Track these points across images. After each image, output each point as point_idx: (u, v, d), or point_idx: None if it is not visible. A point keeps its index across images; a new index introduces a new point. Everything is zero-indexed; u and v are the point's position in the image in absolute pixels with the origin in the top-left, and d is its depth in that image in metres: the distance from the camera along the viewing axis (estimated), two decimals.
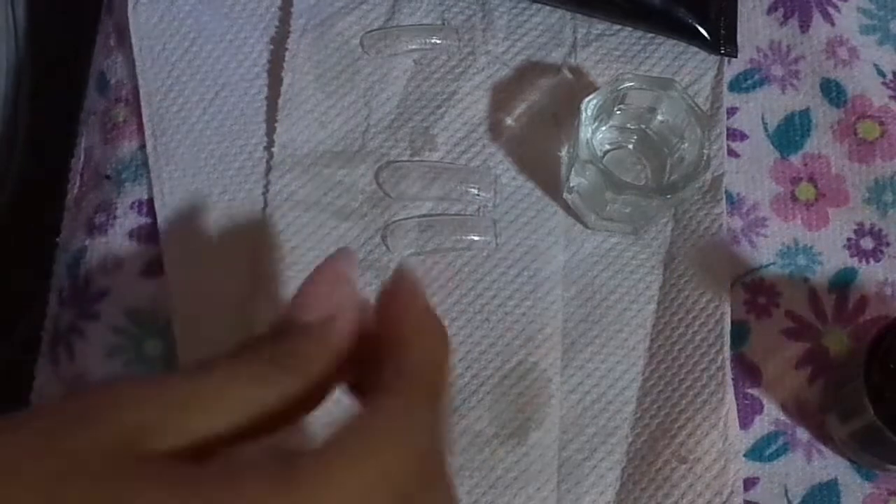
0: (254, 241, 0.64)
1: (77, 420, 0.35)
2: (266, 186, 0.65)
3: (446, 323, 0.62)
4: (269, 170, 0.65)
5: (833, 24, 0.68)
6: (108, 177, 0.66)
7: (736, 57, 0.68)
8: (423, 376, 0.40)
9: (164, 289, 0.63)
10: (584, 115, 0.60)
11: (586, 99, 0.61)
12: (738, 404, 0.62)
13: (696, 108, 0.61)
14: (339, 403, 0.42)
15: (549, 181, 0.65)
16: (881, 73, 0.68)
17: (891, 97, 0.67)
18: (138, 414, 0.36)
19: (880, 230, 0.65)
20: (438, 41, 0.67)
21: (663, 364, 0.62)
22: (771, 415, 0.62)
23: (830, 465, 0.62)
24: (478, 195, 0.65)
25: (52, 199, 0.69)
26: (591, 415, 0.62)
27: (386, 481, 0.36)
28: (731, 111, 0.67)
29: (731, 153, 0.66)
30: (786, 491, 0.61)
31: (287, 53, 0.66)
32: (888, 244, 0.65)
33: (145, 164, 0.65)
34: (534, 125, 0.67)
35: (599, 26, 0.68)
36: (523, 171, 0.66)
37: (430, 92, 0.67)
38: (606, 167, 0.60)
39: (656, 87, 0.62)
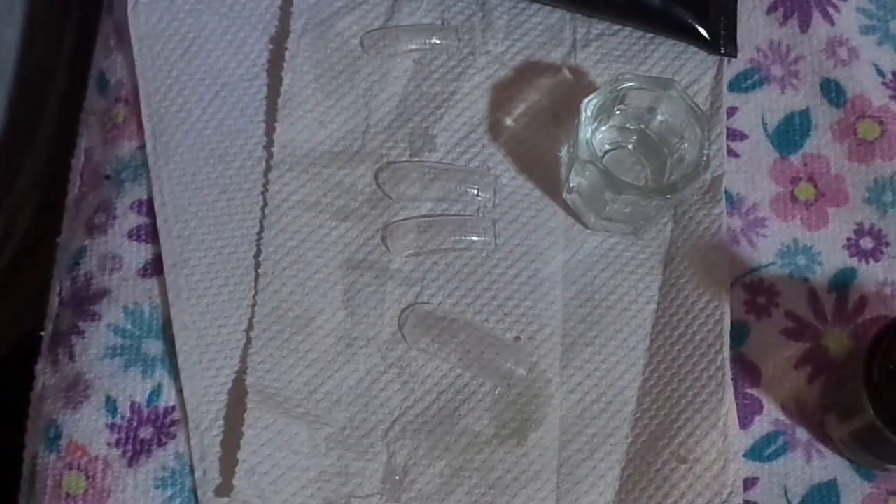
0: (253, 240, 0.64)
1: None
2: (265, 186, 0.65)
3: (446, 323, 0.62)
4: (268, 169, 0.65)
5: (833, 24, 0.68)
6: (107, 177, 0.66)
7: (736, 57, 0.68)
8: None
9: (163, 289, 0.63)
10: (583, 115, 0.60)
11: (586, 99, 0.61)
12: (737, 404, 0.62)
13: (696, 108, 0.61)
14: None
15: (549, 181, 0.65)
16: (881, 73, 0.68)
17: (891, 97, 0.67)
18: None
19: (880, 230, 0.65)
20: (438, 41, 0.67)
21: (663, 364, 0.62)
22: (770, 415, 0.62)
23: (830, 465, 0.62)
24: (477, 196, 0.65)
25: (52, 201, 0.69)
26: (591, 415, 0.62)
27: None
28: (731, 111, 0.67)
29: (731, 153, 0.66)
30: (785, 491, 0.61)
31: (287, 53, 0.67)
32: (888, 244, 0.65)
33: (145, 164, 0.65)
34: (534, 125, 0.67)
35: (599, 26, 0.68)
36: (523, 171, 0.66)
37: (429, 92, 0.67)
38: (606, 167, 0.60)
39: (656, 87, 0.62)
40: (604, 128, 0.64)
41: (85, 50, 0.72)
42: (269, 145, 0.65)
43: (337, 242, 0.64)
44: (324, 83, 0.67)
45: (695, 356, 0.62)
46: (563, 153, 0.66)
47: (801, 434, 0.62)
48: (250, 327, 0.62)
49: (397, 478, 0.60)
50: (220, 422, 0.61)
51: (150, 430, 0.61)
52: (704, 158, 0.60)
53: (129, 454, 0.61)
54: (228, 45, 0.67)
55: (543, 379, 0.62)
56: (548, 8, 0.68)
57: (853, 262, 0.65)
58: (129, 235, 0.64)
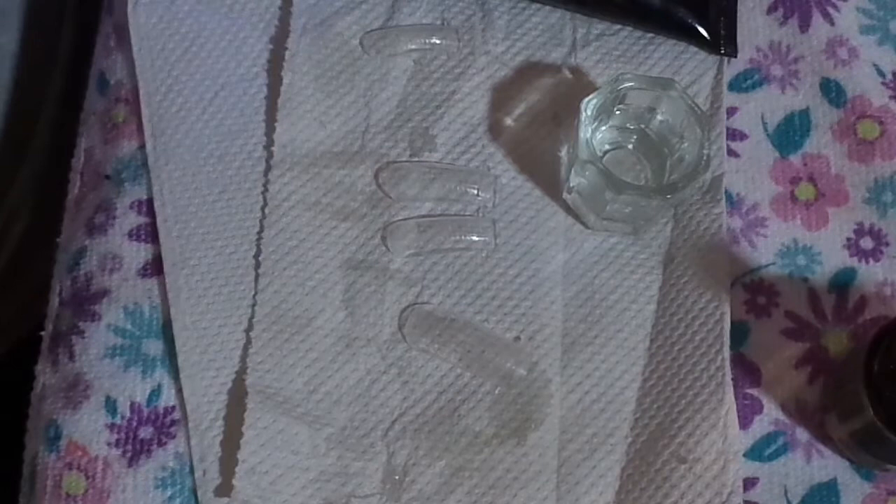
0: (253, 240, 0.64)
1: None
2: (265, 186, 0.65)
3: (446, 323, 0.62)
4: (268, 169, 0.65)
5: (833, 24, 0.68)
6: (108, 177, 0.66)
7: (736, 57, 0.68)
8: None
9: (164, 289, 0.63)
10: (583, 115, 0.60)
11: (586, 99, 0.61)
12: (737, 404, 0.62)
13: (696, 108, 0.61)
14: None
15: (549, 181, 0.65)
16: (881, 73, 0.68)
17: (890, 97, 0.67)
18: None
19: (880, 230, 0.65)
20: (438, 41, 0.67)
21: (663, 364, 0.62)
22: (770, 415, 0.62)
23: (830, 465, 0.62)
24: (477, 196, 0.65)
25: (61, 188, 0.69)
26: (591, 415, 0.62)
27: None
28: (731, 111, 0.67)
29: (731, 153, 0.66)
30: (785, 491, 0.61)
31: (287, 53, 0.67)
32: (888, 244, 0.65)
33: (145, 164, 0.65)
34: (534, 125, 0.67)
35: (599, 26, 0.68)
36: (523, 171, 0.66)
37: (429, 92, 0.67)
38: (606, 167, 0.60)
39: (656, 87, 0.62)
40: (604, 128, 0.64)
41: (82, 54, 0.72)
42: (269, 145, 0.65)
43: (337, 242, 0.64)
44: (324, 83, 0.67)
45: (695, 356, 0.62)
46: (563, 153, 0.66)
47: (801, 434, 0.62)
48: (250, 327, 0.62)
49: (397, 478, 0.60)
50: (220, 422, 0.61)
51: (150, 430, 0.61)
52: (704, 158, 0.60)
53: (129, 454, 0.61)
54: (228, 45, 0.67)
55: (543, 379, 0.62)
56: (548, 8, 0.68)
57: (853, 262, 0.65)
58: (129, 235, 0.64)
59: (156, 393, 0.62)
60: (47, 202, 0.70)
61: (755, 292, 0.64)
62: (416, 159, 0.65)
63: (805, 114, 0.67)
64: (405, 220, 0.64)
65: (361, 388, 0.62)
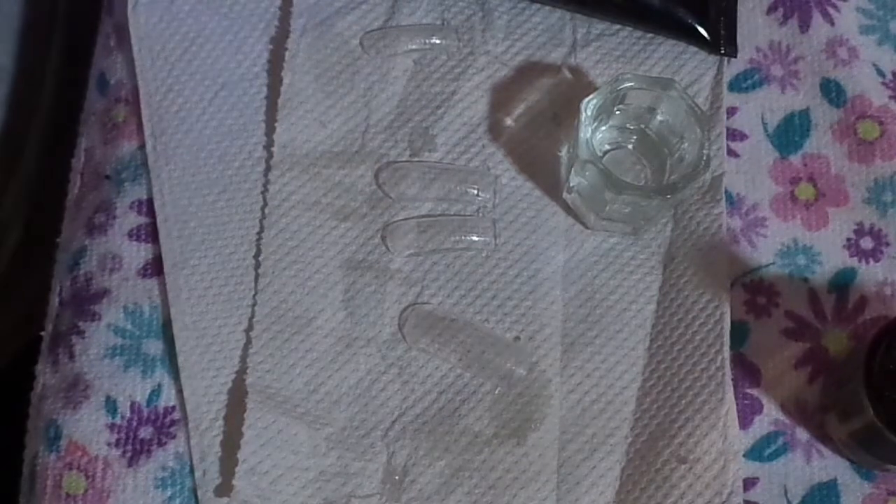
0: (253, 240, 0.64)
1: None
2: (265, 186, 0.65)
3: (446, 323, 0.62)
4: (268, 169, 0.65)
5: (833, 24, 0.68)
6: (107, 177, 0.66)
7: (735, 57, 0.68)
8: None
9: (164, 289, 0.63)
10: (583, 115, 0.60)
11: (586, 99, 0.61)
12: (737, 404, 0.62)
13: (696, 108, 0.61)
14: None
15: (549, 181, 0.65)
16: (881, 73, 0.68)
17: (890, 97, 0.67)
18: None
19: (880, 230, 0.65)
20: (438, 41, 0.67)
21: (663, 364, 0.62)
22: (770, 415, 0.62)
23: (830, 465, 0.62)
24: (477, 196, 0.65)
25: (53, 200, 0.69)
26: (591, 415, 0.62)
27: None
28: (731, 111, 0.67)
29: (731, 153, 0.66)
30: (785, 491, 0.61)
31: (287, 53, 0.67)
32: (888, 244, 0.65)
33: (145, 164, 0.65)
34: (534, 125, 0.67)
35: (599, 26, 0.68)
36: (523, 171, 0.66)
37: (429, 92, 0.67)
38: (606, 167, 0.60)
39: (656, 87, 0.62)
40: (604, 128, 0.64)
41: (72, 70, 0.72)
42: (269, 145, 0.65)
43: (337, 242, 0.64)
44: (324, 83, 0.67)
45: (695, 356, 0.62)
46: (563, 153, 0.66)
47: (801, 434, 0.62)
48: (250, 327, 0.62)
49: (397, 478, 0.60)
50: (220, 422, 0.61)
51: (150, 430, 0.61)
52: (704, 158, 0.60)
53: (129, 454, 0.61)
54: (228, 45, 0.67)
55: (543, 379, 0.62)
56: (548, 8, 0.69)
57: (853, 262, 0.65)
58: (129, 235, 0.64)
59: (156, 393, 0.62)
60: (39, 216, 0.70)
61: (755, 292, 0.64)
62: (416, 159, 0.65)
63: (805, 114, 0.67)
64: (405, 220, 0.64)
65: (361, 388, 0.62)
